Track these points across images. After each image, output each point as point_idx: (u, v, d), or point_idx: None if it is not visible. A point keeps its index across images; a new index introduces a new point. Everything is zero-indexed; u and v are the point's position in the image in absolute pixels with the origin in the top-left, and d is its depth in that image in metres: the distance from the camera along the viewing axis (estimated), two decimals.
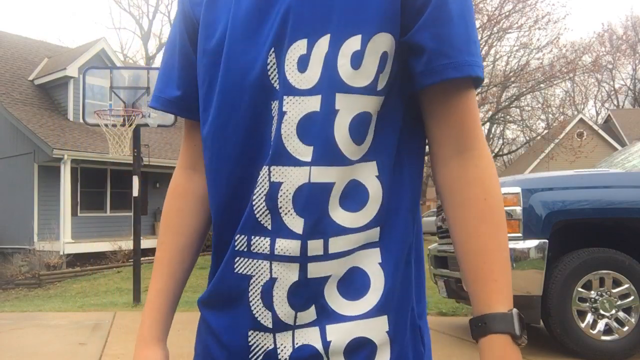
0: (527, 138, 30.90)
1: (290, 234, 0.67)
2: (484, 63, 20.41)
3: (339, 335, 0.66)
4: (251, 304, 0.69)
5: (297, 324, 0.67)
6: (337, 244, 0.67)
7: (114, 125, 7.40)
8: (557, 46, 20.05)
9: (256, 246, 0.68)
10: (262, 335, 0.69)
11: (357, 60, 0.65)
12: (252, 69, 0.69)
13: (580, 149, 20.37)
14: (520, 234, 3.83)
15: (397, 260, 0.69)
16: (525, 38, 19.47)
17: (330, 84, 0.66)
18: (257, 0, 0.69)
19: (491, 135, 36.43)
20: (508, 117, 22.16)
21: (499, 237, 0.67)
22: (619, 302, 3.80)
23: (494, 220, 0.68)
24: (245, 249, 0.70)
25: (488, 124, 28.69)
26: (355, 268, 0.68)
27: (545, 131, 22.20)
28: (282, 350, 0.67)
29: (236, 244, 0.70)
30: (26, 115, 14.37)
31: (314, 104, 0.66)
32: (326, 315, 0.67)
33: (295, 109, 0.66)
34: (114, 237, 14.11)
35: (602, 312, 3.78)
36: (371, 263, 0.68)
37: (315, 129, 0.66)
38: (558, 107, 25.81)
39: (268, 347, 0.68)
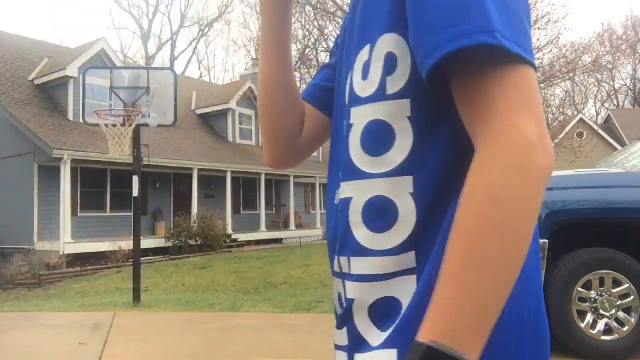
0: None
1: (340, 251, 0.68)
2: None
3: None
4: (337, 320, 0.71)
5: (337, 343, 0.69)
6: (358, 265, 0.64)
7: (114, 125, 7.40)
8: (557, 46, 20.03)
9: (335, 265, 0.70)
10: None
11: (366, 70, 0.64)
12: (345, 89, 0.70)
13: (580, 149, 20.37)
14: None
15: None
16: None
17: (350, 101, 0.67)
18: (350, 33, 0.72)
19: None
20: None
21: (473, 251, 0.49)
22: (619, 302, 3.80)
23: (471, 228, 0.50)
24: (335, 269, 0.71)
25: None
26: (389, 298, 0.62)
27: None
28: None
29: (334, 266, 0.71)
30: (26, 115, 14.37)
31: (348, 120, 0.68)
32: (355, 342, 0.65)
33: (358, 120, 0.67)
34: (114, 237, 14.12)
35: (602, 312, 3.78)
36: (407, 294, 0.60)
37: (342, 145, 0.68)
38: (558, 107, 25.80)
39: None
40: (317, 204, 21.82)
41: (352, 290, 0.64)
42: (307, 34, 24.13)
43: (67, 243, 13.21)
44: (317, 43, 22.65)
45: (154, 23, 49.20)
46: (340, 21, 21.30)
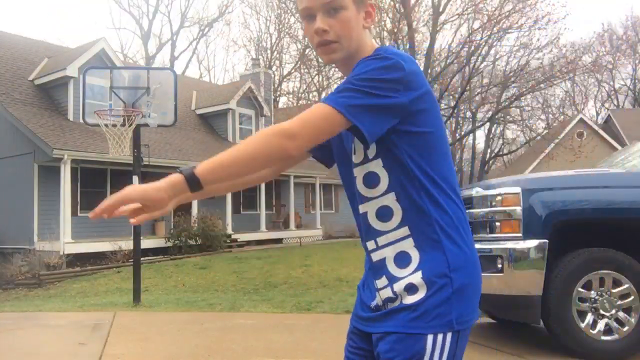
0: (527, 138, 30.86)
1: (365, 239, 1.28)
2: (484, 63, 20.50)
3: (399, 287, 1.19)
4: (369, 276, 1.29)
5: (378, 287, 1.23)
6: (381, 240, 1.23)
7: (114, 125, 7.40)
8: (557, 46, 20.04)
9: (365, 246, 1.28)
10: (375, 292, 1.25)
11: (354, 150, 1.26)
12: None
13: (580, 149, 20.38)
14: (520, 234, 3.83)
15: (424, 242, 1.19)
16: (525, 38, 19.45)
17: (351, 166, 1.28)
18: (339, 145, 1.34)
19: (491, 135, 36.39)
20: (508, 117, 22.15)
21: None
22: (619, 302, 3.79)
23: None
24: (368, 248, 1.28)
25: (488, 124, 28.64)
26: (401, 252, 1.20)
27: (545, 131, 22.20)
28: (378, 299, 1.23)
29: (368, 247, 1.29)
30: (26, 115, 14.37)
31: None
32: (392, 279, 1.20)
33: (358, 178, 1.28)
34: (114, 237, 14.11)
35: (602, 312, 3.78)
36: (409, 247, 1.20)
37: (355, 187, 1.27)
38: (558, 107, 25.80)
39: (375, 297, 1.25)
40: (317, 204, 21.81)
41: (380, 254, 1.23)
42: None
43: (67, 243, 13.21)
44: None
45: (154, 23, 49.13)
46: None
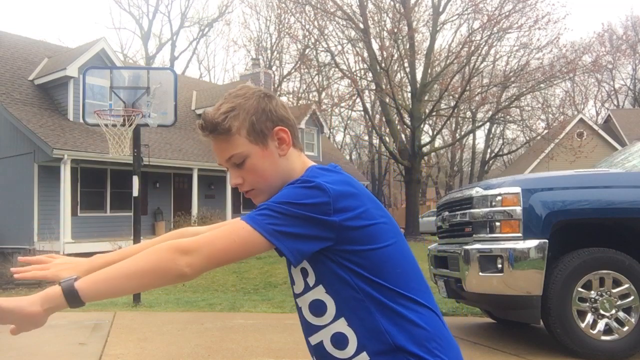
0: (527, 138, 30.86)
1: None
2: (484, 63, 20.53)
3: None
4: None
5: None
6: None
7: (114, 125, 7.40)
8: (557, 46, 20.02)
9: None
10: None
11: (294, 281, 1.18)
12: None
13: (580, 149, 20.36)
14: (520, 234, 3.83)
15: None
16: (525, 38, 19.45)
17: (295, 298, 1.21)
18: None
19: (491, 135, 36.39)
20: (508, 117, 22.13)
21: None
22: (619, 302, 3.79)
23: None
24: None
25: (488, 124, 28.64)
26: None
27: (545, 131, 22.18)
28: None
29: None
30: (26, 115, 14.37)
31: None
32: None
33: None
34: (114, 237, 14.11)
35: (602, 312, 3.78)
36: None
37: (302, 316, 1.19)
38: (558, 107, 25.79)
39: None
40: None
41: None
42: (307, 34, 24.09)
43: (67, 243, 13.21)
44: (317, 43, 22.62)
45: (154, 23, 49.11)
46: (340, 21, 21.27)
